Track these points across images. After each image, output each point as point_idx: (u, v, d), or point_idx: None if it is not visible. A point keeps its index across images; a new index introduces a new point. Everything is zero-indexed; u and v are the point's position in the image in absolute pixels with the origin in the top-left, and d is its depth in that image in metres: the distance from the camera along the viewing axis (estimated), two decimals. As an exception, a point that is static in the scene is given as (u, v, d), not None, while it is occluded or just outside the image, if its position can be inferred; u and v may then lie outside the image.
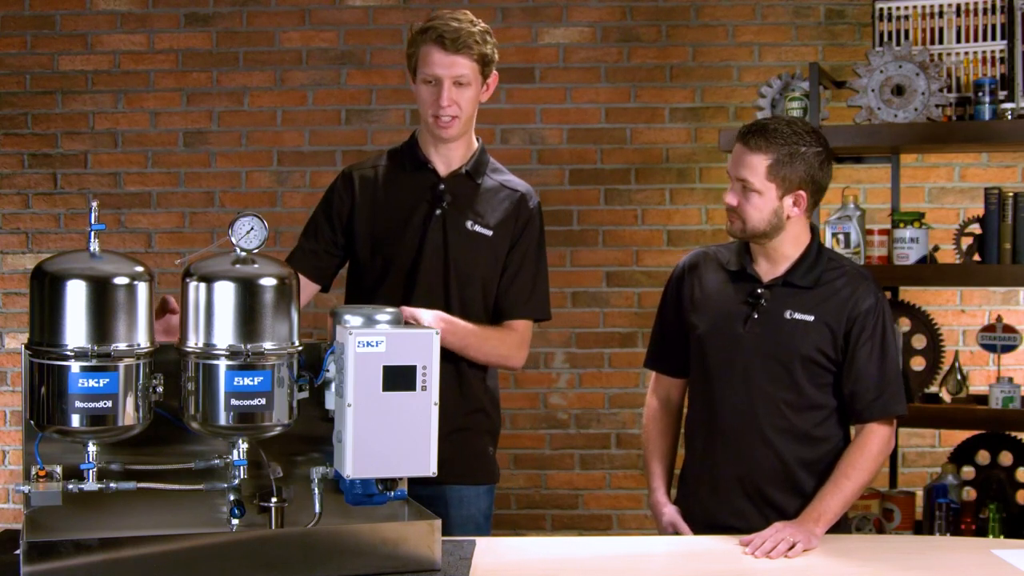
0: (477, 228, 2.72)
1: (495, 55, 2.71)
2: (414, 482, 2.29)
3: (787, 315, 2.61)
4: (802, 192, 2.59)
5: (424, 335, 2.15)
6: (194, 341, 2.10)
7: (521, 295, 2.75)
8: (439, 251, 2.70)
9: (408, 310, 2.53)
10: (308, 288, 2.73)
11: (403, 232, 2.71)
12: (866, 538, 2.61)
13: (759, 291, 2.64)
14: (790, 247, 2.64)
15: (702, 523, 2.67)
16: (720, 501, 2.65)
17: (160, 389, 2.12)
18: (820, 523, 2.49)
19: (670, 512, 2.73)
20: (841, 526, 2.63)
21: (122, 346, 2.04)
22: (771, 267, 2.66)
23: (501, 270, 2.74)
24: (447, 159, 2.75)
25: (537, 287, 2.77)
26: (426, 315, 2.56)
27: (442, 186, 2.73)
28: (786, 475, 2.61)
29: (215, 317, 2.09)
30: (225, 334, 2.08)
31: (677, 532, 2.69)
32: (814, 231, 2.69)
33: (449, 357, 2.66)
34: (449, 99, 2.64)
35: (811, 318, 2.60)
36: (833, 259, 2.70)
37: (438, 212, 2.71)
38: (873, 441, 2.59)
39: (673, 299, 2.78)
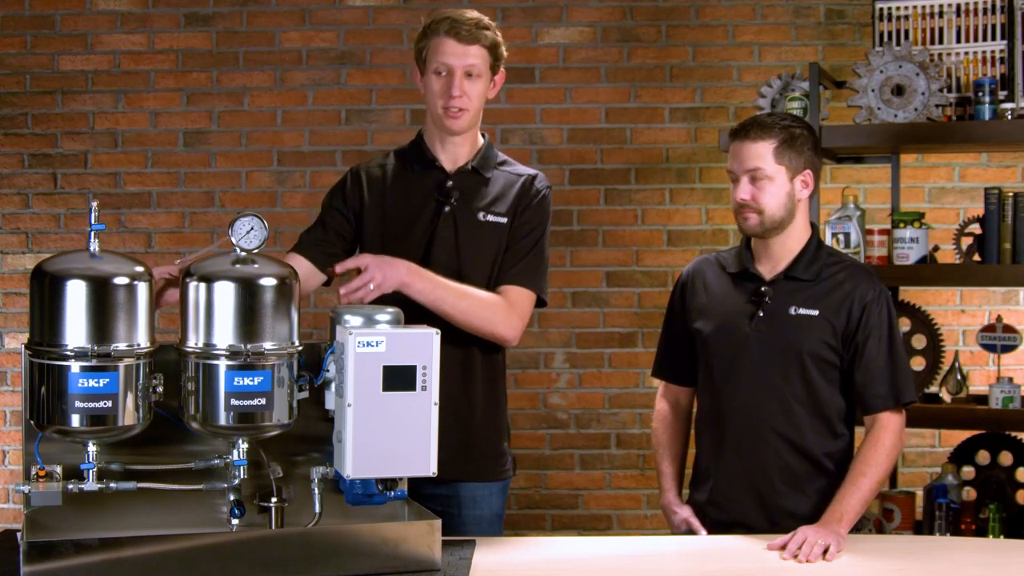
0: (490, 218, 2.70)
1: (503, 52, 2.72)
2: (426, 481, 2.28)
3: (792, 311, 2.63)
4: (809, 172, 2.65)
5: (424, 335, 2.16)
6: (194, 341, 2.11)
7: (513, 261, 2.70)
8: (450, 246, 2.68)
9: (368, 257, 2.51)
10: (313, 278, 2.71)
11: (412, 230, 2.70)
12: (866, 538, 2.61)
13: (762, 289, 2.65)
14: (794, 241, 2.67)
15: (710, 521, 2.68)
16: (729, 499, 2.66)
17: (160, 389, 2.12)
18: (843, 523, 2.48)
19: (684, 512, 2.73)
20: (855, 525, 2.63)
21: (122, 346, 2.04)
22: (773, 264, 2.68)
23: None
24: (453, 156, 2.74)
25: (531, 258, 2.71)
26: (394, 262, 2.52)
27: (450, 182, 2.72)
28: (794, 473, 2.62)
29: (215, 317, 2.09)
30: (225, 334, 2.08)
31: (691, 530, 2.69)
32: (813, 227, 2.73)
33: (461, 350, 2.65)
34: (460, 89, 2.64)
35: (815, 312, 2.62)
36: (833, 254, 2.74)
37: (447, 209, 2.70)
38: (886, 436, 2.59)
39: (678, 307, 2.81)
